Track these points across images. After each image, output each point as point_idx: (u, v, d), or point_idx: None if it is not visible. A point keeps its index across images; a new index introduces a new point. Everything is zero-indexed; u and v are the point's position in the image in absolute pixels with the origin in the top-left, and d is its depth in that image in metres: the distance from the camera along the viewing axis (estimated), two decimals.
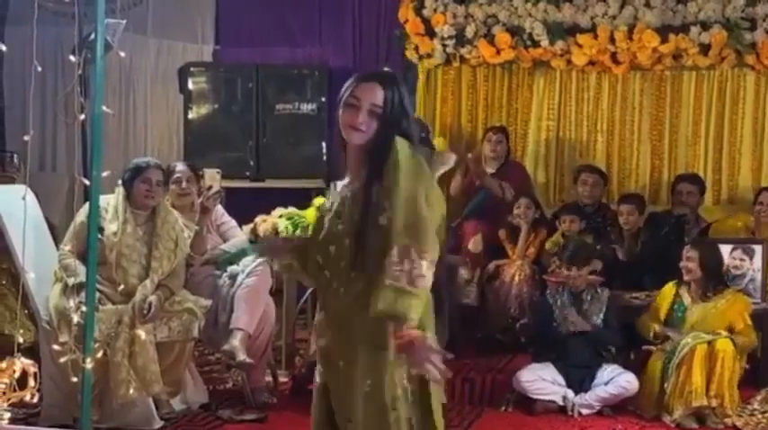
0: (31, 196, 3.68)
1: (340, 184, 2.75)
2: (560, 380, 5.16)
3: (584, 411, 5.09)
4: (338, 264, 2.65)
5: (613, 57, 6.72)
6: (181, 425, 4.79)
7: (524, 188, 6.51)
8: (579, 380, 5.15)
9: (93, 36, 3.61)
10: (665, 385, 5.00)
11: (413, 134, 2.70)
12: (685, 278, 5.24)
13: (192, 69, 7.28)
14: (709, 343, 4.97)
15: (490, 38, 6.87)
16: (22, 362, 2.83)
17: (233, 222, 5.43)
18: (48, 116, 7.26)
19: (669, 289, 5.33)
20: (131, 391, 4.54)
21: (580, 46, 6.70)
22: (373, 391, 2.62)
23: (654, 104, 6.88)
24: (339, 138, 2.72)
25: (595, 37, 6.65)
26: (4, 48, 2.75)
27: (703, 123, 6.80)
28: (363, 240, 2.57)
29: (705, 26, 6.49)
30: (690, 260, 5.21)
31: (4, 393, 2.81)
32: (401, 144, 2.63)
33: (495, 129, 6.73)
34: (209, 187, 5.10)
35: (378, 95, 2.65)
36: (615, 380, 5.10)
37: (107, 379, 4.52)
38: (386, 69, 2.73)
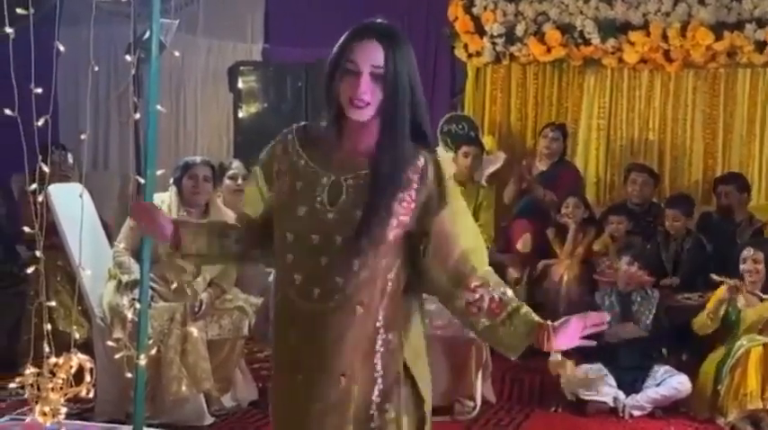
0: (86, 194, 3.72)
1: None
2: (611, 381, 5.11)
3: (636, 413, 5.04)
4: (316, 259, 2.20)
5: (666, 54, 6.66)
6: (231, 421, 4.83)
7: (575, 189, 6.47)
8: (630, 382, 5.10)
9: (147, 36, 3.65)
10: (719, 387, 4.94)
11: (423, 115, 2.25)
12: (749, 279, 5.14)
13: (241, 68, 7.34)
14: (765, 345, 4.89)
15: (540, 36, 6.84)
16: (78, 358, 2.86)
17: None
18: (100, 115, 7.37)
19: (722, 290, 5.25)
20: (183, 388, 4.59)
21: (632, 43, 6.64)
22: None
23: (707, 103, 6.80)
24: (331, 113, 2.24)
25: (648, 34, 6.59)
26: (62, 48, 2.78)
27: (758, 122, 6.72)
28: (360, 246, 2.17)
29: (760, 23, 6.41)
30: (756, 262, 5.11)
31: (61, 388, 2.85)
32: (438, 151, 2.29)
33: (553, 126, 6.70)
34: None
35: (378, 54, 2.18)
36: (667, 382, 5.05)
37: (159, 375, 4.57)
38: (380, 20, 2.26)
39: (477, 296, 2.21)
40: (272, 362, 2.40)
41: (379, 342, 2.24)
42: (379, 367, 2.24)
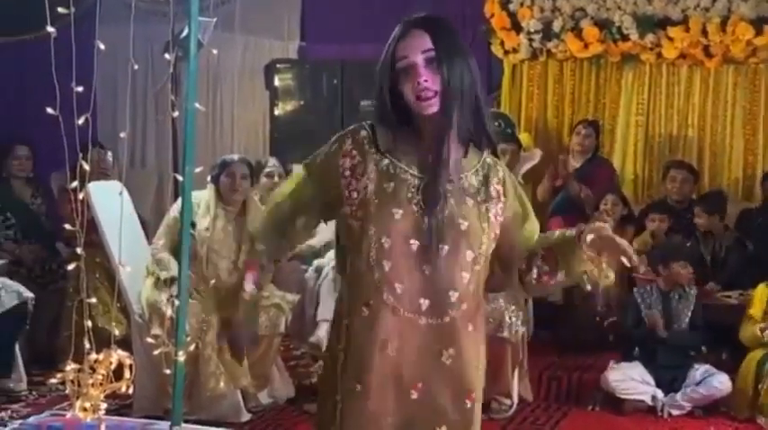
0: (125, 192, 3.75)
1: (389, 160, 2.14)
2: (649, 379, 5.08)
3: (675, 412, 5.01)
4: (419, 268, 2.09)
5: (706, 50, 6.59)
6: (267, 418, 4.85)
7: (610, 185, 6.43)
8: (669, 381, 5.06)
9: (185, 34, 3.67)
10: (760, 386, 4.89)
11: (483, 106, 2.13)
12: None
13: (278, 66, 7.38)
14: None
15: (578, 32, 6.80)
16: (118, 354, 2.88)
17: None
18: (138, 113, 7.43)
19: (763, 289, 5.20)
20: (220, 384, 4.63)
21: (671, 39, 6.58)
22: None
23: (747, 98, 6.72)
24: (402, 112, 2.12)
25: (687, 29, 6.52)
26: (102, 46, 2.80)
27: None
28: (466, 260, 2.09)
29: None
30: None
31: (101, 384, 2.87)
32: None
33: (585, 123, 6.67)
34: None
35: (425, 40, 2.07)
36: (707, 381, 5.01)
37: (197, 372, 4.61)
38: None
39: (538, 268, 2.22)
40: (349, 372, 2.13)
41: (482, 358, 2.20)
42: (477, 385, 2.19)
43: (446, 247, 2.07)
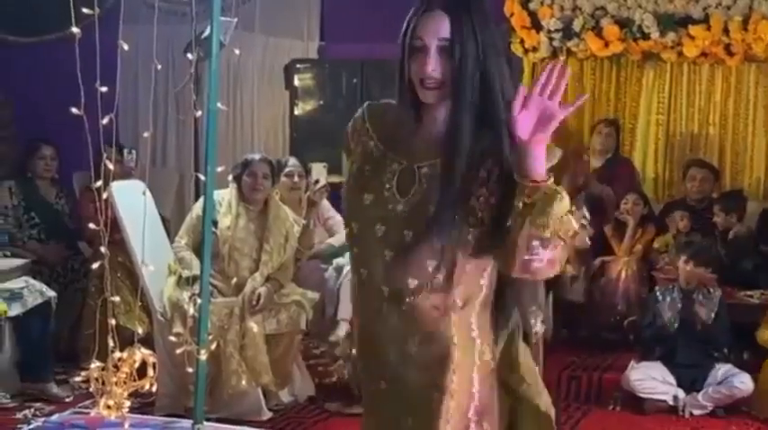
0: (148, 192, 3.78)
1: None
2: (670, 379, 5.07)
3: (696, 412, 4.99)
4: (381, 254, 2.01)
5: (727, 48, 6.54)
6: (288, 416, 4.87)
7: (631, 185, 6.41)
8: (691, 380, 5.05)
9: (206, 34, 3.70)
10: None
11: (496, 96, 1.97)
12: None
13: (297, 66, 7.38)
14: None
15: (598, 30, 6.77)
16: (141, 352, 2.91)
17: (339, 217, 5.49)
18: (159, 113, 7.45)
19: None
20: (242, 382, 4.65)
21: (692, 37, 6.54)
22: None
23: None
24: (405, 98, 2.04)
25: (708, 28, 6.48)
26: (126, 47, 2.83)
27: None
28: (433, 246, 1.96)
29: None
30: None
31: (125, 382, 2.90)
32: None
33: (606, 122, 6.65)
34: (316, 181, 5.15)
35: (444, 25, 1.95)
36: (729, 381, 4.99)
37: (219, 369, 4.63)
38: None
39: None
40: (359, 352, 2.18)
41: (476, 354, 2.06)
42: (476, 382, 2.05)
43: (410, 233, 1.98)
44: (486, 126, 1.98)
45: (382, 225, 2.00)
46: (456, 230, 1.95)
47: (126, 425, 3.01)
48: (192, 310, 3.98)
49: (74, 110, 2.58)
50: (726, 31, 6.46)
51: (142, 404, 4.64)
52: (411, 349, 2.03)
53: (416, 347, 2.02)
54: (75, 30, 2.58)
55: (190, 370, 3.53)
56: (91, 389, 2.94)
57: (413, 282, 1.99)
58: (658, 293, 5.32)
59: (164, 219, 5.54)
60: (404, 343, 2.03)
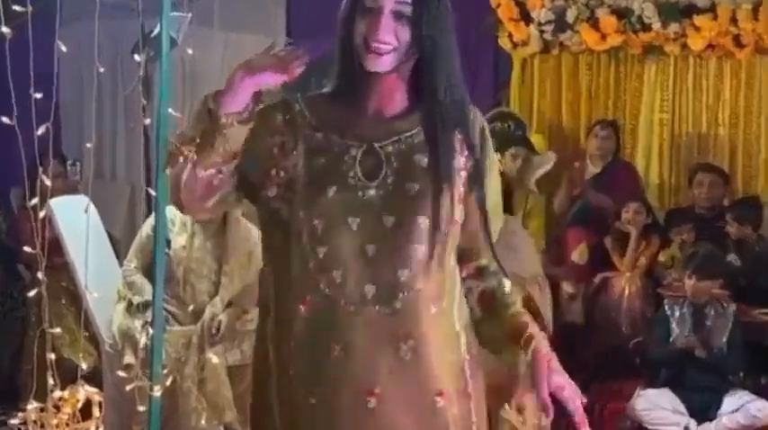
0: (92, 208, 3.75)
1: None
2: (681, 408, 5.06)
3: None
4: (360, 249, 1.97)
5: (736, 39, 6.59)
6: None
7: (634, 191, 6.42)
8: (703, 408, 5.05)
9: (156, 32, 3.67)
10: None
11: (456, 70, 2.04)
12: None
13: None
14: None
15: (594, 22, 6.80)
16: (85, 391, 2.88)
17: None
18: (105, 120, 7.40)
19: None
20: (202, 421, 4.61)
21: (698, 28, 6.58)
22: None
23: None
24: (346, 65, 2.07)
25: (715, 18, 6.52)
26: (64, 48, 2.80)
27: None
28: (422, 227, 1.96)
29: None
30: None
31: (66, 424, 2.87)
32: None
33: (603, 124, 6.66)
34: None
35: None
36: (745, 408, 4.99)
37: (175, 407, 4.59)
38: None
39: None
40: (289, 384, 2.02)
41: (463, 348, 2.07)
42: (469, 381, 2.07)
43: (392, 219, 1.97)
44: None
45: (355, 217, 1.96)
46: (446, 204, 1.98)
47: None
48: (144, 340, 3.95)
49: (4, 119, 2.55)
50: (734, 20, 6.50)
51: None
52: (405, 356, 1.98)
53: (411, 353, 1.98)
54: (5, 29, 2.55)
55: (142, 408, 3.50)
56: None
57: (404, 274, 1.97)
58: (667, 307, 5.31)
59: (113, 239, 5.50)
60: (396, 350, 1.98)
